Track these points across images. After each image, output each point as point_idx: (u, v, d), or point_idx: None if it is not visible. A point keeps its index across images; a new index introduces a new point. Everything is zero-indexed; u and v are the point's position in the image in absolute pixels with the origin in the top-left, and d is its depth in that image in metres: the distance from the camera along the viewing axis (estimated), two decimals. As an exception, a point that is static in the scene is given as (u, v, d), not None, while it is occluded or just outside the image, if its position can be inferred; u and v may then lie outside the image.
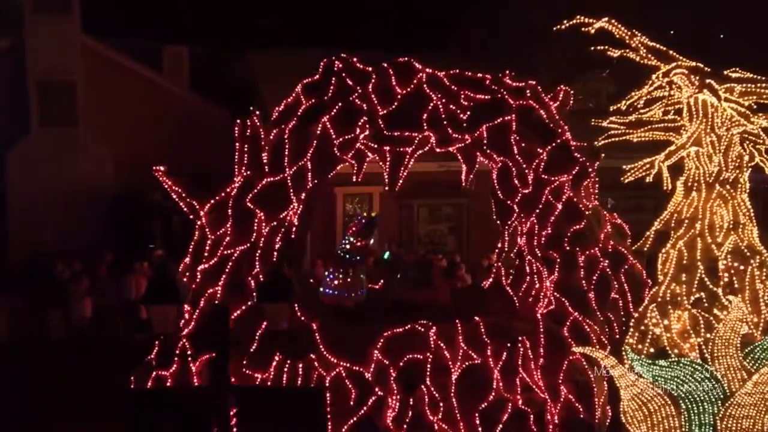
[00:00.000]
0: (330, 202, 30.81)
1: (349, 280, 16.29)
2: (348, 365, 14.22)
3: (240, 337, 13.31)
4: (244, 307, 14.08)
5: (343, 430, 13.92)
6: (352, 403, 14.09)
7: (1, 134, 30.79)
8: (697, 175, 15.58)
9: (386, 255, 22.65)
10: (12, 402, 17.81)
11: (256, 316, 13.96)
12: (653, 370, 13.60)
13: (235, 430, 10.67)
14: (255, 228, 14.42)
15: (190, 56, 34.50)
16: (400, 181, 15.22)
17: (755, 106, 15.44)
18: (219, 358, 10.72)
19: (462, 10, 38.94)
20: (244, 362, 13.94)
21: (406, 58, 15.05)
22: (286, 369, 13.89)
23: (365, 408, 14.08)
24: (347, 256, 16.37)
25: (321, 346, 14.23)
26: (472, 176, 15.53)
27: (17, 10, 30.94)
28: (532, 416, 14.54)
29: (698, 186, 15.47)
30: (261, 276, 14.32)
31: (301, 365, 14.00)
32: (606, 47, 15.20)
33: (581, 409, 14.60)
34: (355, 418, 14.05)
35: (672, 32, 26.60)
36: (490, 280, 16.37)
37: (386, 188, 15.25)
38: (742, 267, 15.10)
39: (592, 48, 15.38)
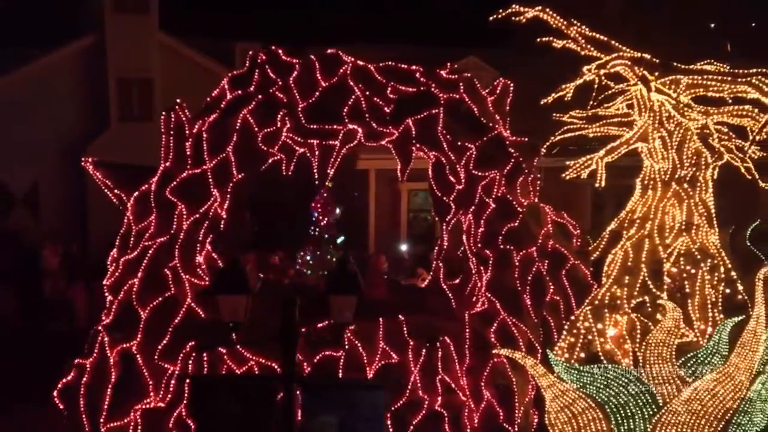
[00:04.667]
0: (395, 198, 30.74)
1: (318, 254, 16.20)
2: (261, 360, 14.12)
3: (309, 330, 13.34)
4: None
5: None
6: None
7: (83, 129, 31.82)
8: (653, 172, 14.92)
9: (340, 239, 22.35)
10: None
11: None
12: (574, 374, 13.09)
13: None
14: (176, 220, 14.45)
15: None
16: (330, 176, 15.00)
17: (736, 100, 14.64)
18: (286, 347, 10.83)
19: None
20: (157, 355, 14.01)
21: (333, 50, 14.82)
22: (191, 361, 13.86)
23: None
24: (316, 232, 16.32)
25: (236, 340, 14.13)
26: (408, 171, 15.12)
27: (99, 9, 31.93)
28: (447, 419, 14.11)
29: (654, 184, 14.79)
30: (180, 269, 14.35)
31: (208, 358, 13.97)
32: (550, 38, 14.71)
33: (501, 414, 14.08)
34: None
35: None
36: (428, 279, 15.97)
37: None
38: (693, 270, 14.33)
39: (537, 39, 14.92)
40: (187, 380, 12.62)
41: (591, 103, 14.65)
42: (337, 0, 37.94)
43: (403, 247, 29.52)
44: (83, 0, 33.26)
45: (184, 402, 13.84)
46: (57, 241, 26.85)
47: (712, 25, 27.48)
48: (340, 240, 21.16)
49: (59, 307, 24.52)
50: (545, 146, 15.62)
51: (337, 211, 17.47)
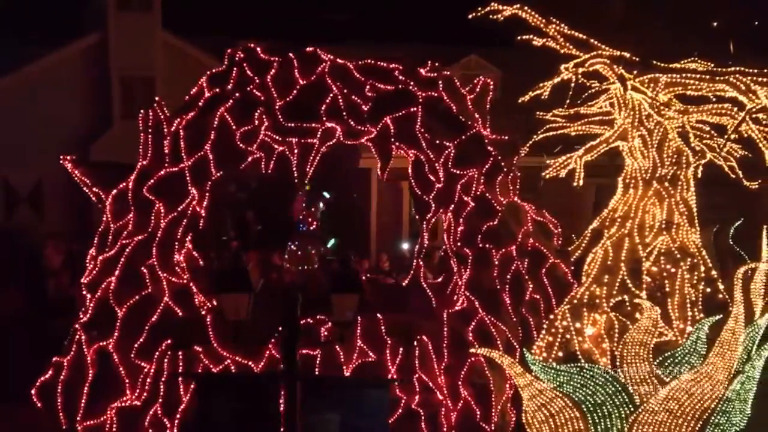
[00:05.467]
0: (397, 196, 30.68)
1: (299, 253, 16.20)
2: (238, 359, 14.11)
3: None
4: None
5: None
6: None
7: (86, 127, 31.88)
8: (634, 171, 14.83)
9: (331, 243, 22.34)
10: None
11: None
12: (551, 374, 13.04)
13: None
14: (153, 218, 14.44)
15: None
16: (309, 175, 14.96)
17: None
18: (288, 344, 10.94)
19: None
20: (133, 353, 14.01)
21: (312, 48, 14.78)
22: (166, 359, 13.86)
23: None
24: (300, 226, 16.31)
25: (212, 339, 14.16)
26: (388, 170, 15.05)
27: (103, 7, 31.98)
28: (423, 417, 14.05)
29: (635, 183, 14.71)
30: (157, 268, 14.35)
31: (183, 356, 13.97)
32: (531, 36, 14.64)
33: (478, 413, 14.02)
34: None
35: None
36: (410, 277, 15.91)
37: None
38: (673, 269, 14.22)
39: (518, 38, 14.85)
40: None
41: (567, 101, 14.55)
42: (338, -1, 37.90)
43: (405, 246, 29.45)
44: (86, -1, 33.32)
45: (160, 400, 13.86)
46: (59, 239, 26.87)
47: (714, 24, 27.29)
48: (331, 243, 21.21)
49: (63, 306, 24.55)
50: (526, 145, 15.54)
51: (321, 206, 17.46)
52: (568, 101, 14.61)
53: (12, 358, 18.28)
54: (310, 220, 16.20)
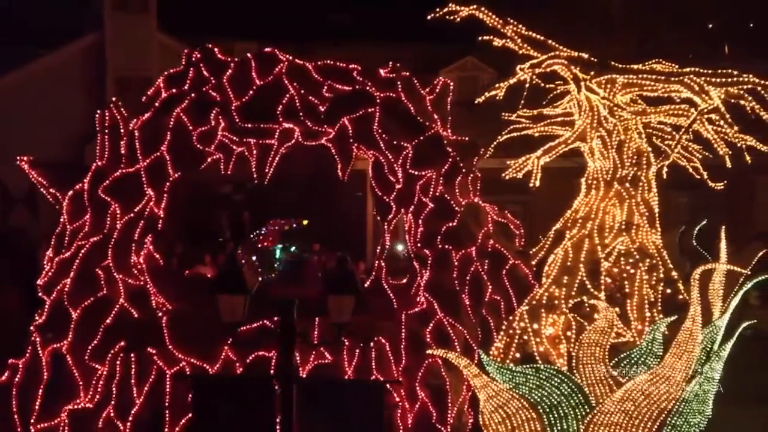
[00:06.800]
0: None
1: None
2: (193, 361, 14.04)
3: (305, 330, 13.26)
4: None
5: (177, 428, 13.74)
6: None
7: (83, 128, 31.89)
8: (596, 172, 14.72)
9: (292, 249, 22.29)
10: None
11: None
12: (507, 375, 12.93)
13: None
14: (109, 219, 14.39)
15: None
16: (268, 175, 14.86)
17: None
18: (284, 349, 10.97)
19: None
20: (87, 355, 13.98)
21: (270, 48, 14.70)
22: (118, 362, 13.81)
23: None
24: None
25: (168, 341, 14.10)
26: (349, 170, 14.96)
27: (100, 8, 32.08)
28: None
29: (597, 184, 14.58)
30: (113, 269, 14.30)
31: (136, 358, 13.91)
32: (491, 36, 14.53)
33: (434, 415, 13.91)
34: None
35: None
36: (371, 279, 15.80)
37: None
38: (632, 270, 14.08)
39: (479, 38, 14.76)
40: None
41: (521, 102, 14.44)
42: (337, -1, 37.80)
43: (399, 247, 29.30)
44: (84, 0, 33.34)
45: (113, 402, 13.82)
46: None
47: (710, 26, 27.12)
48: (293, 248, 21.20)
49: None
50: (492, 146, 15.45)
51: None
52: (522, 102, 14.46)
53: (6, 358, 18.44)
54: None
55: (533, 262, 15.33)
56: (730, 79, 13.58)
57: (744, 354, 14.18)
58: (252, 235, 21.62)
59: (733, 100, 13.56)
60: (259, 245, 16.30)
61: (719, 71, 13.48)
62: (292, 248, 22.14)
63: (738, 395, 14.75)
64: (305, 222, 20.47)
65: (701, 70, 13.51)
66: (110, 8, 31.97)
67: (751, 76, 13.49)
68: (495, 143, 15.54)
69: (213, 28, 33.36)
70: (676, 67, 14.44)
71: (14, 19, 32.58)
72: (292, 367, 10.98)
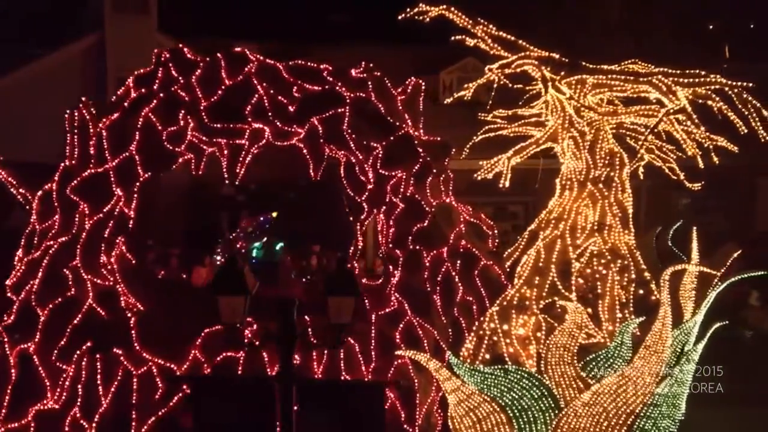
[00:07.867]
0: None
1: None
2: (160, 362, 13.95)
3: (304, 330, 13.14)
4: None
5: (144, 429, 13.66)
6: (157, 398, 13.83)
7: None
8: (570, 173, 14.62)
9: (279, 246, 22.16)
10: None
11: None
12: (477, 377, 12.86)
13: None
14: (77, 219, 14.33)
15: (259, 52, 34.66)
16: (240, 174, 14.75)
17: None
18: (284, 350, 10.87)
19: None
20: (54, 356, 13.90)
21: (240, 48, 14.60)
22: (83, 363, 13.74)
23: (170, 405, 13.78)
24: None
25: (135, 341, 14.02)
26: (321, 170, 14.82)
27: (100, 9, 32.03)
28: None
29: (571, 184, 14.48)
30: (81, 269, 14.22)
31: (102, 359, 13.84)
32: (463, 36, 14.46)
33: (402, 415, 13.78)
34: (160, 414, 13.78)
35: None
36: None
37: None
38: (604, 271, 13.98)
39: (452, 38, 14.68)
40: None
41: (490, 102, 14.33)
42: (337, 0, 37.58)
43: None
44: (84, 0, 33.32)
45: (79, 403, 13.75)
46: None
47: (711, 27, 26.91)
48: (279, 246, 21.08)
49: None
50: (468, 146, 15.35)
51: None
52: (490, 102, 14.36)
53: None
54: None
55: (508, 263, 15.16)
56: (697, 80, 13.44)
57: (744, 354, 14.07)
58: (229, 236, 21.51)
59: (700, 101, 13.40)
60: (237, 245, 16.13)
61: (687, 71, 13.33)
62: (278, 245, 22.01)
63: (738, 395, 15.00)
64: (274, 214, 20.29)
65: (669, 71, 13.38)
66: (110, 8, 31.81)
67: (718, 76, 13.35)
68: (470, 144, 15.41)
69: (213, 28, 33.32)
70: (652, 67, 14.31)
71: (13, 20, 32.48)
72: (292, 368, 10.88)
